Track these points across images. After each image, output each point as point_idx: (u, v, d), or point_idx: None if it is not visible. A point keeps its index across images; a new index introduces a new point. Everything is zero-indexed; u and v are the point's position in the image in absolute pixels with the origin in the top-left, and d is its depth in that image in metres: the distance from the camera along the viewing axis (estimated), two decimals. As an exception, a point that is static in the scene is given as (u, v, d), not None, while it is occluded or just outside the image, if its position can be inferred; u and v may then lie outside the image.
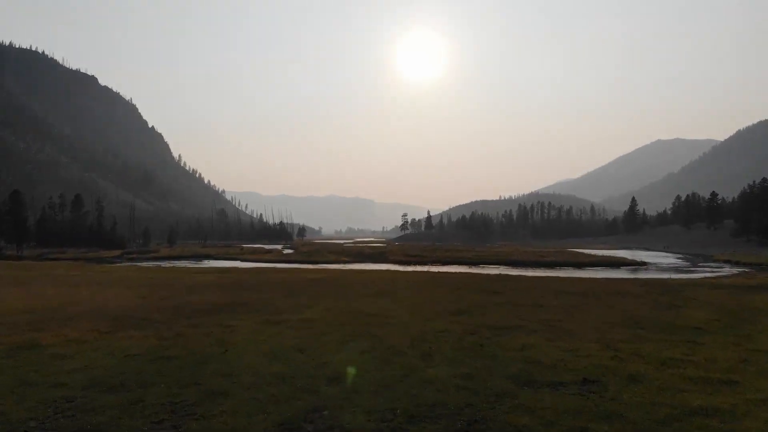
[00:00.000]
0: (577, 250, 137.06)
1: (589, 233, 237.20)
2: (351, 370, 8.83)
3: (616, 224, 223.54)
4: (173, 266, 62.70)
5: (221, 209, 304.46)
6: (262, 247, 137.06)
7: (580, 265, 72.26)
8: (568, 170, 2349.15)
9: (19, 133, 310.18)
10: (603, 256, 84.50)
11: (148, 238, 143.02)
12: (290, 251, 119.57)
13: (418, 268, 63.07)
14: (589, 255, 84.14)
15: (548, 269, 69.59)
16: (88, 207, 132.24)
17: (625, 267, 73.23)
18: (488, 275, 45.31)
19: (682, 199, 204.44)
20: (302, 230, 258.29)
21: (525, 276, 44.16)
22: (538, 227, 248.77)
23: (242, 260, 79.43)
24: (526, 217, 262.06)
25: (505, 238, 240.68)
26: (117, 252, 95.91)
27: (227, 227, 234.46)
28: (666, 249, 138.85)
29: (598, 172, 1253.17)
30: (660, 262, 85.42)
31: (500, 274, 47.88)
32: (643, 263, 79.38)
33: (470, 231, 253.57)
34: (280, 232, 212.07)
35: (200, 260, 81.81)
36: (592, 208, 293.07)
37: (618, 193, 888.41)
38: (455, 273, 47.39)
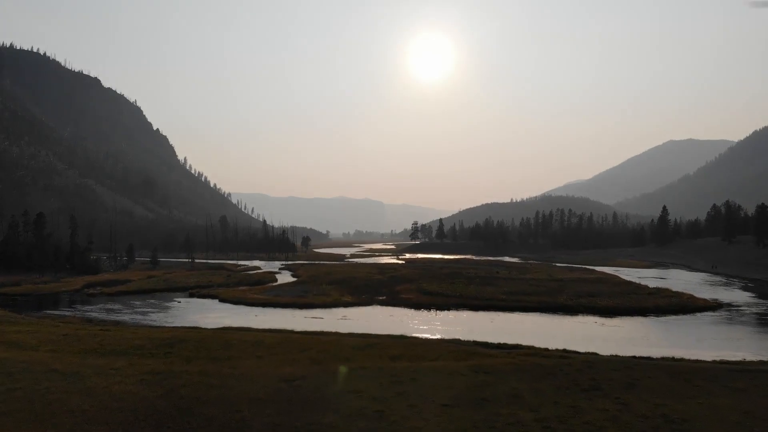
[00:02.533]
0: (612, 271, 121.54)
1: (613, 243, 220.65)
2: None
3: (643, 234, 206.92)
4: (116, 322, 48.00)
5: (223, 216, 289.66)
6: (257, 269, 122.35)
7: (643, 311, 56.97)
8: (578, 171, 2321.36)
9: (13, 137, 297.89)
10: (665, 294, 68.84)
11: (132, 256, 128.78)
12: (287, 274, 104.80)
13: (440, 321, 47.87)
14: (650, 294, 68.43)
15: (606, 317, 54.45)
16: (54, 225, 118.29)
17: (701, 314, 57.88)
18: (555, 372, 30.12)
19: (720, 206, 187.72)
20: (306, 240, 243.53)
21: (606, 365, 29.49)
22: (558, 237, 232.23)
23: (221, 300, 64.63)
24: (545, 225, 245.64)
25: (524, 248, 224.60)
26: (81, 282, 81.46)
27: (227, 238, 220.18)
28: (714, 269, 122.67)
29: (609, 174, 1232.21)
30: (733, 299, 69.73)
31: (566, 359, 32.89)
32: (718, 304, 63.89)
33: (485, 240, 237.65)
34: (282, 243, 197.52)
35: (171, 299, 67.09)
36: (615, 215, 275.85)
37: (632, 195, 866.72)
38: (504, 360, 32.12)
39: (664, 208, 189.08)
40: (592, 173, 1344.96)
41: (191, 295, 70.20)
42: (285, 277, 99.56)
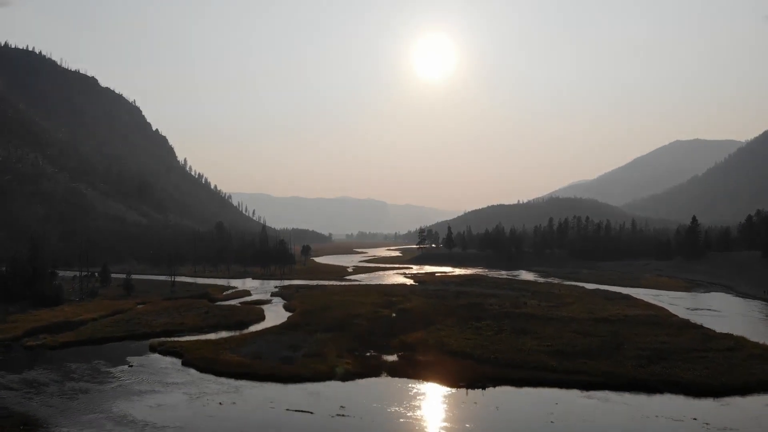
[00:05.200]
0: (649, 294, 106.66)
1: (634, 253, 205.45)
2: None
3: (668, 245, 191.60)
4: (21, 423, 33.65)
5: (219, 222, 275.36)
6: (246, 294, 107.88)
7: (742, 389, 42.47)
8: (582, 171, 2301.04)
9: (0, 140, 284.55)
10: (748, 350, 54.14)
11: (106, 276, 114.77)
12: (279, 305, 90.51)
13: (477, 417, 33.41)
14: (730, 351, 53.51)
15: (696, 398, 40.11)
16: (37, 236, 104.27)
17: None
18: None
19: (752, 216, 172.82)
20: (306, 249, 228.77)
21: None
22: (575, 247, 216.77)
23: (185, 361, 50.31)
24: (560, 233, 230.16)
25: (540, 260, 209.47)
26: (25, 325, 66.90)
27: (221, 247, 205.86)
28: (767, 295, 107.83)
29: (614, 174, 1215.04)
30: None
31: None
32: None
33: (497, 250, 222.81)
34: (279, 254, 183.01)
35: (124, 359, 52.66)
36: (633, 222, 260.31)
37: (640, 197, 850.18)
38: None
39: (694, 218, 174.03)
40: (597, 173, 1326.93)
41: (151, 349, 55.83)
42: (276, 310, 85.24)
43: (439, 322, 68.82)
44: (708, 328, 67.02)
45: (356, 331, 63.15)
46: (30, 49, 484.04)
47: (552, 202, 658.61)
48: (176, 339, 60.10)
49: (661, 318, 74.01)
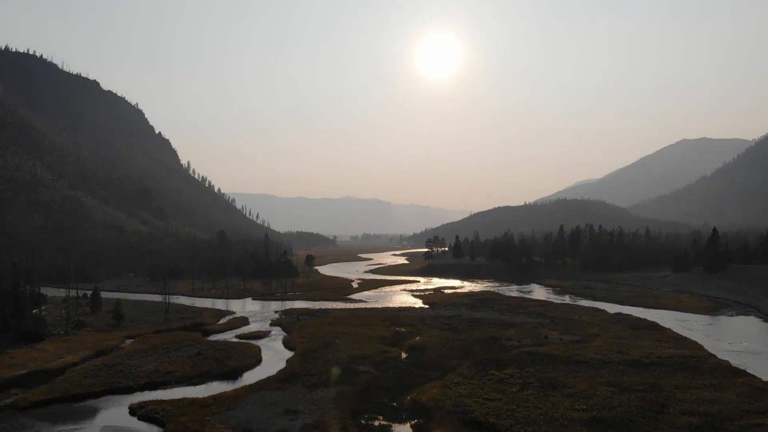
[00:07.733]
0: (672, 318, 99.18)
1: (649, 264, 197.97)
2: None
3: (685, 257, 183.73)
4: None
5: (221, 231, 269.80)
6: (244, 323, 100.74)
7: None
8: (588, 170, 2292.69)
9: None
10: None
11: (97, 300, 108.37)
12: (278, 339, 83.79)
13: None
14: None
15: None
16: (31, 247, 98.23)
17: None
18: None
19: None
20: (310, 259, 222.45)
21: None
22: (588, 256, 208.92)
23: (167, 434, 43.64)
24: (573, 242, 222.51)
25: (552, 271, 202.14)
26: (2, 373, 60.63)
27: (222, 259, 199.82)
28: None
29: (620, 174, 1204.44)
30: None
31: None
32: None
33: (507, 260, 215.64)
34: (281, 267, 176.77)
35: (95, 429, 45.96)
36: (647, 230, 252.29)
37: (647, 197, 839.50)
38: None
39: (715, 230, 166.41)
40: (603, 173, 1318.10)
41: (131, 412, 49.21)
42: (274, 347, 78.51)
43: (455, 367, 62.25)
44: (753, 376, 60.17)
45: (362, 383, 56.51)
46: (31, 52, 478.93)
47: (559, 204, 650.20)
48: (160, 396, 53.36)
49: (698, 360, 66.88)
